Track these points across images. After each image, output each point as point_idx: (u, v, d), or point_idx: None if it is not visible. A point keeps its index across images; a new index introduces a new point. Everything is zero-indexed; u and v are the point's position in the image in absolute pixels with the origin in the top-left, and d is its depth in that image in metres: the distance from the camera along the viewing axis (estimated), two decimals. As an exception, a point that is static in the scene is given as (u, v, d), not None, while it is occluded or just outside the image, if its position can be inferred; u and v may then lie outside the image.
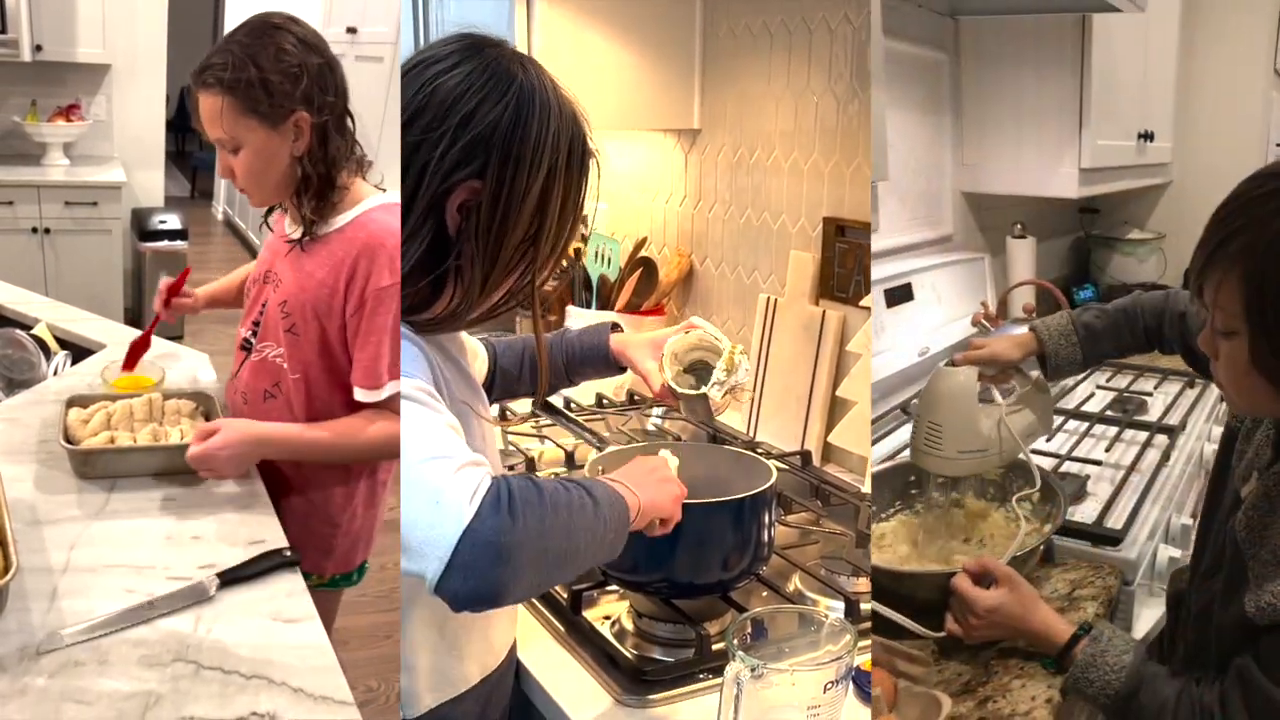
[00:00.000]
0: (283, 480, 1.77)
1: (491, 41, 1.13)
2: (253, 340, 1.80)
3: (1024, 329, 1.76)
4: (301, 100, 1.64)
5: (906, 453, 2.05)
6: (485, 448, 1.22)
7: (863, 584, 1.59)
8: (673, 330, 1.55)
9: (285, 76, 1.62)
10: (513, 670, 1.39)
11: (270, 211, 1.85)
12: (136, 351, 2.10)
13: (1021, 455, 1.66)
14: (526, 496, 0.99)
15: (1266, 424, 1.29)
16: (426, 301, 1.13)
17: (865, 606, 1.49)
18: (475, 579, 0.94)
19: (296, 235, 1.73)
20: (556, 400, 2.34)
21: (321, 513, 1.84)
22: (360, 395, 1.68)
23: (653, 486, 1.21)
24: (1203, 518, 1.46)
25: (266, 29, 1.65)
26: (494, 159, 1.07)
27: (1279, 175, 1.11)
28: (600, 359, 1.59)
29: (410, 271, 1.10)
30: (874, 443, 2.14)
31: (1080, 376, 2.71)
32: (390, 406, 1.68)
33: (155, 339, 2.18)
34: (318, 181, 1.68)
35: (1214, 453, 1.48)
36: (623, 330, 1.62)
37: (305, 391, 1.74)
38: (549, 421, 2.22)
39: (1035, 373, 1.74)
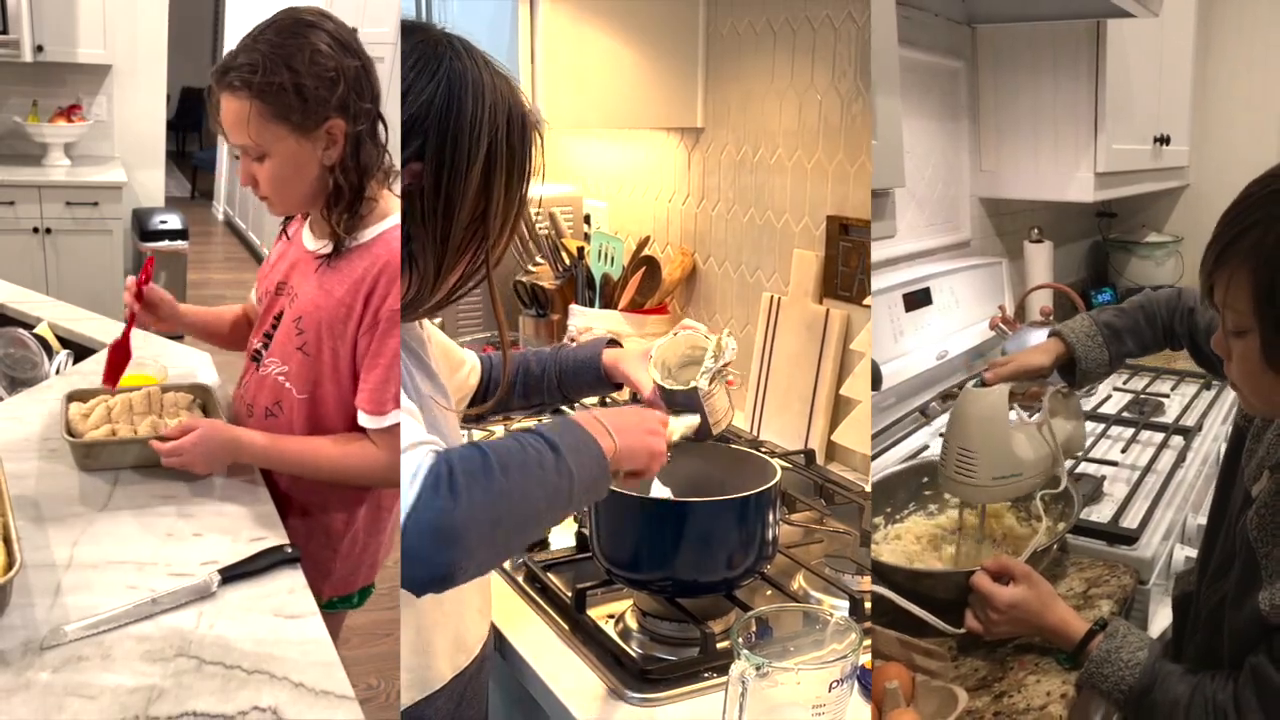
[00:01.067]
0: (282, 499, 1.71)
1: (420, 25, 1.15)
2: (263, 352, 1.73)
3: (1043, 332, 1.74)
4: (337, 107, 1.53)
5: (924, 454, 2.05)
6: (449, 440, 1.22)
7: (867, 582, 1.58)
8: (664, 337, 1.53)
9: (321, 81, 1.51)
10: (488, 666, 1.40)
11: (288, 220, 1.77)
12: (116, 362, 1.86)
13: (1057, 470, 1.64)
14: (469, 468, 0.97)
15: (1277, 423, 1.29)
16: None
17: (869, 604, 1.49)
18: (423, 565, 0.94)
19: (317, 247, 1.66)
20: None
21: (320, 535, 1.77)
22: (364, 420, 1.60)
23: (635, 435, 1.18)
24: (1211, 517, 1.47)
25: (299, 27, 1.53)
26: (432, 138, 1.08)
27: None
28: (592, 375, 1.55)
29: None
30: (892, 445, 2.15)
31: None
32: (388, 436, 1.60)
33: (155, 338, 2.16)
34: (349, 193, 1.58)
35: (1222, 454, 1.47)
36: (620, 345, 1.58)
37: (311, 412, 1.67)
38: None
39: (1062, 385, 1.72)
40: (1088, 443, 2.21)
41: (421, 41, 1.11)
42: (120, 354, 1.86)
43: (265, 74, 1.49)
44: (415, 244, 1.10)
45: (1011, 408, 1.61)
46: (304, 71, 1.50)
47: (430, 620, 1.26)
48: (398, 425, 1.55)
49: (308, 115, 1.53)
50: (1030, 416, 1.64)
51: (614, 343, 1.58)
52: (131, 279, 1.85)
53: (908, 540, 1.67)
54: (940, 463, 1.62)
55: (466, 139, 1.09)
